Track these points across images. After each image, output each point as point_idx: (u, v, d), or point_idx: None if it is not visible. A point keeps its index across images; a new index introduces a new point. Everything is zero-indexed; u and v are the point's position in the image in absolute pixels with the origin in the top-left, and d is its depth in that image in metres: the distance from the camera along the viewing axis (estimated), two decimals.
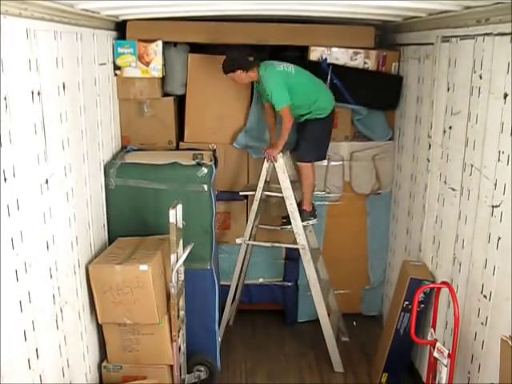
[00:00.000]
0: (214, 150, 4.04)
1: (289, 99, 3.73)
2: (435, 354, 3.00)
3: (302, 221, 3.97)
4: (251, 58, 3.85)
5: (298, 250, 4.03)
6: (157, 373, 3.46)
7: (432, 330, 3.14)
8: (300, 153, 4.02)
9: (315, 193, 4.31)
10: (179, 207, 3.30)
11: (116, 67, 4.03)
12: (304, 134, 4.00)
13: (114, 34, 4.02)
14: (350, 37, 4.22)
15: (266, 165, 3.88)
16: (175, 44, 4.24)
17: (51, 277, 2.69)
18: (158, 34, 4.06)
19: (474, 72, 2.92)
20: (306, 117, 3.95)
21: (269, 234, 4.36)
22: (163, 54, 4.11)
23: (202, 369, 3.82)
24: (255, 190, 3.97)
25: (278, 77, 3.77)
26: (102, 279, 3.25)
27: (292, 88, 3.77)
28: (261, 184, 3.93)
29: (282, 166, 3.86)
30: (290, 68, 3.85)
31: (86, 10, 3.06)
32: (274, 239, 4.32)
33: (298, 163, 4.03)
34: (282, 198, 3.93)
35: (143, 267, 3.22)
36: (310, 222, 4.12)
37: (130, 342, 3.41)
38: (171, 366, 3.49)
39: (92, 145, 3.46)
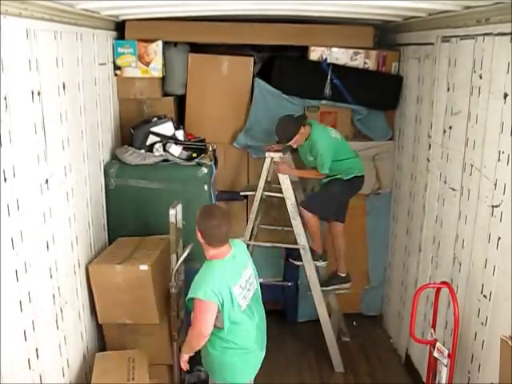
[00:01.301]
0: (214, 150, 4.05)
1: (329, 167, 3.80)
2: (435, 354, 2.99)
3: (313, 260, 4.00)
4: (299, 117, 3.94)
5: (298, 250, 4.02)
6: (156, 373, 3.44)
7: (432, 329, 3.14)
8: (307, 201, 3.97)
9: None
10: (179, 207, 3.30)
11: (116, 67, 4.03)
12: (322, 188, 4.01)
13: (113, 33, 4.02)
14: (349, 37, 4.21)
15: (266, 165, 3.88)
16: (175, 44, 4.24)
17: (51, 277, 2.69)
18: (157, 34, 4.06)
19: (474, 72, 2.92)
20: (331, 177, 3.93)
21: (269, 234, 4.36)
22: (163, 53, 4.11)
23: (202, 369, 3.81)
24: (256, 190, 3.96)
25: (330, 145, 3.80)
26: (102, 279, 3.25)
27: (335, 154, 3.82)
28: (261, 184, 3.93)
29: None
30: (337, 136, 3.91)
31: (86, 10, 3.06)
32: (274, 239, 4.32)
33: (301, 208, 3.92)
34: (283, 198, 3.92)
35: (143, 267, 3.22)
36: (318, 264, 4.09)
37: (130, 342, 3.40)
38: (171, 366, 3.49)
39: (92, 145, 3.46)
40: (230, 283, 2.65)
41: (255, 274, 2.90)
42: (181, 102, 4.38)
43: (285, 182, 3.86)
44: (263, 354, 2.94)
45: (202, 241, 2.70)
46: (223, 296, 2.61)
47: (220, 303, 2.61)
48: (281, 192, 3.91)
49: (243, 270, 2.78)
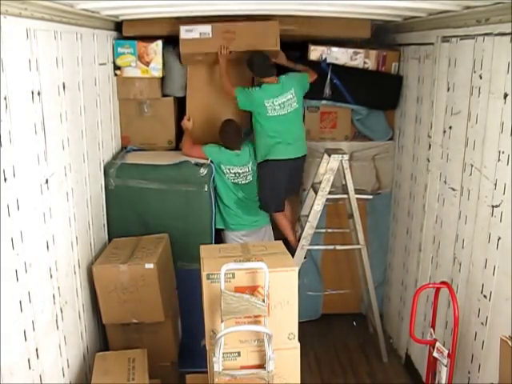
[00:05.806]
0: None
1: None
2: (435, 354, 2.99)
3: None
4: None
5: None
6: (160, 370, 3.45)
7: (432, 329, 3.14)
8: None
9: None
10: None
11: (116, 67, 4.03)
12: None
13: (113, 33, 4.02)
14: (347, 28, 4.08)
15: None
16: (174, 46, 4.23)
17: (51, 277, 2.69)
18: (155, 31, 4.01)
19: (474, 72, 2.92)
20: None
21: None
22: (162, 56, 4.10)
23: None
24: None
25: (259, 97, 3.90)
26: (106, 279, 3.24)
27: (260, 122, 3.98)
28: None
29: None
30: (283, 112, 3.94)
31: (86, 10, 3.06)
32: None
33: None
34: None
35: (149, 265, 3.22)
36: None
37: (134, 341, 3.39)
38: (174, 363, 3.49)
39: (92, 145, 3.46)
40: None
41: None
42: (180, 103, 4.37)
43: None
44: None
45: None
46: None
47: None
48: None
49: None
